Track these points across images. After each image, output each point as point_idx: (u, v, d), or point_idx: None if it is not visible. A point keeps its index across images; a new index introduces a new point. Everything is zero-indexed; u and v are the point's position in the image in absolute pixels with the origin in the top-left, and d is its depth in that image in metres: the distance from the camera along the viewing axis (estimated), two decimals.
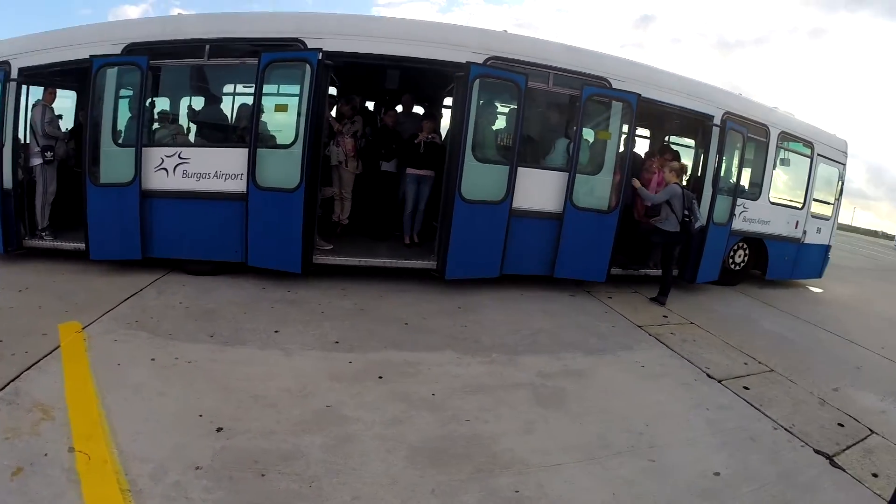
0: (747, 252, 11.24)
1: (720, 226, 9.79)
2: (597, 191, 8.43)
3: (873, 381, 6.94)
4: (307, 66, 7.01)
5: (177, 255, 7.52)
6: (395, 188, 9.14)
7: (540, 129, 9.15)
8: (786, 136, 10.96)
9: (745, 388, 5.89)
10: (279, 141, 7.57)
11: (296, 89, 7.40)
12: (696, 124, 10.30)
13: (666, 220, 8.73)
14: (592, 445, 4.30)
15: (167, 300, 6.52)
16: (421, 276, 8.13)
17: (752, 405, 5.49)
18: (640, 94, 8.31)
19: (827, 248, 12.85)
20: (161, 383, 4.50)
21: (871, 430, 5.40)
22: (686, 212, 8.58)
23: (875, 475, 4.54)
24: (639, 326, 7.50)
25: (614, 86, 8.33)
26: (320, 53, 6.95)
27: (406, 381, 5.02)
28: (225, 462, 3.53)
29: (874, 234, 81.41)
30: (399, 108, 10.54)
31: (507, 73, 7.63)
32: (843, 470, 4.53)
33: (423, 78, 9.35)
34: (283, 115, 7.57)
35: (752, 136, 10.17)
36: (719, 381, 5.97)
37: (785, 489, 4.11)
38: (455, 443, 4.09)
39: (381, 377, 5.03)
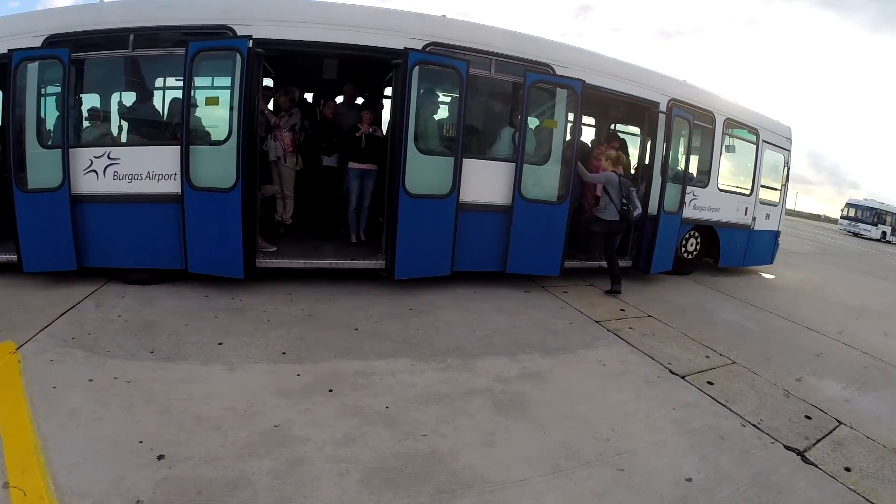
0: (699, 240, 11.29)
1: (671, 214, 9.73)
2: (545, 181, 8.20)
3: (834, 368, 6.94)
4: (237, 55, 6.52)
5: (114, 265, 6.95)
6: (339, 184, 8.70)
7: (484, 118, 8.89)
8: (731, 123, 11.05)
9: (709, 382, 5.75)
10: (212, 137, 7.06)
11: (227, 81, 6.87)
12: (641, 111, 10.16)
13: (605, 209, 8.66)
14: (558, 456, 4.01)
15: (106, 313, 5.97)
16: (370, 276, 7.73)
17: (717, 401, 5.33)
18: (584, 81, 8.08)
19: (777, 233, 13.14)
20: (99, 407, 4.05)
21: (838, 420, 5.34)
22: (624, 200, 8.53)
23: (848, 469, 4.45)
24: (596, 322, 7.28)
25: (557, 72, 8.12)
26: (250, 41, 6.50)
27: (358, 394, 4.64)
28: (167, 494, 3.16)
29: (817, 217, 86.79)
30: (339, 99, 10.03)
31: (447, 60, 7.31)
32: (816, 466, 4.42)
33: (363, 66, 8.97)
34: (215, 109, 7.06)
35: (699, 123, 10.16)
36: (682, 377, 5.81)
37: (760, 491, 3.93)
38: (412, 461, 3.74)
39: (331, 390, 4.64)
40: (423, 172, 7.23)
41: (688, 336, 7.20)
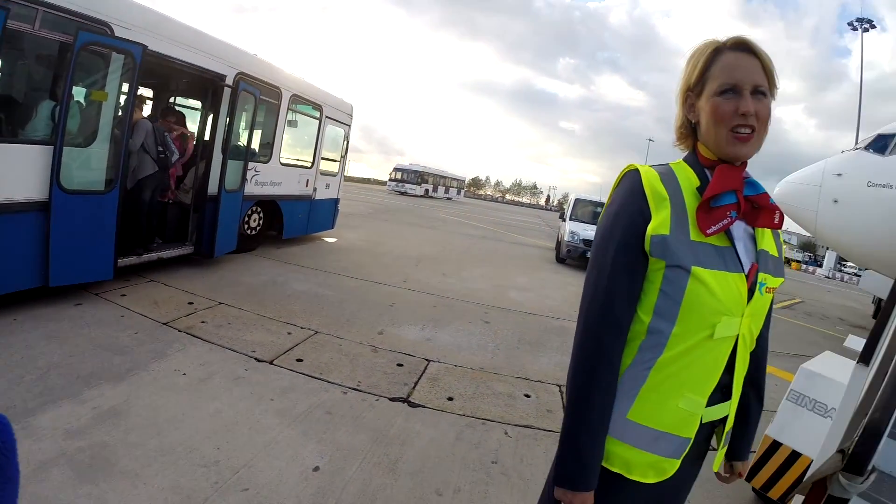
0: (262, 215, 11.35)
1: (233, 192, 9.39)
2: (91, 166, 6.72)
3: (409, 314, 7.81)
4: None
5: None
6: None
7: (17, 89, 6.79)
8: (297, 99, 11.42)
9: (299, 360, 5.72)
10: None
11: None
12: (206, 84, 9.45)
13: (141, 164, 7.95)
14: None
15: None
16: None
17: (313, 377, 5.33)
18: (146, 46, 6.97)
19: (336, 200, 14.40)
20: None
21: (426, 359, 6.10)
22: (160, 147, 8.08)
23: (451, 398, 5.15)
24: (165, 324, 6.40)
25: (118, 34, 6.78)
26: None
27: None
28: None
29: (368, 181, 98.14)
30: None
31: None
32: (424, 406, 4.94)
33: None
34: None
35: (265, 98, 10.18)
36: (271, 363, 5.60)
37: (385, 450, 4.11)
38: None
39: None
40: None
41: (265, 316, 7.05)
